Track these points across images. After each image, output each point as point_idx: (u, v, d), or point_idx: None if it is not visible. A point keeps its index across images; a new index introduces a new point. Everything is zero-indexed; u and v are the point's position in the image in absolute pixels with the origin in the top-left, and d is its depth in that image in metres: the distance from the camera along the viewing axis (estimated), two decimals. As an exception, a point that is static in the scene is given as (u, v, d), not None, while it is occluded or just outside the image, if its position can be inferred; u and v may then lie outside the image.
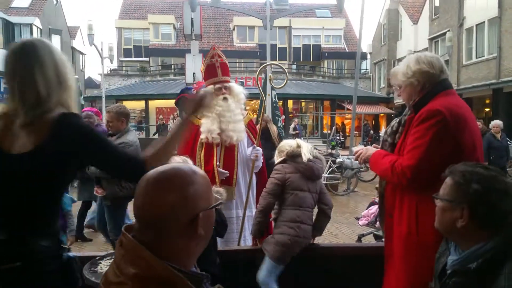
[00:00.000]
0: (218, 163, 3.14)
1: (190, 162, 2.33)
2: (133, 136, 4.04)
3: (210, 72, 3.24)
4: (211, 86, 3.21)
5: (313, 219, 2.71)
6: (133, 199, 1.12)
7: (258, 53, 27.30)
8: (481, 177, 1.40)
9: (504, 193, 1.36)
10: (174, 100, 4.91)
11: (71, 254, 1.55)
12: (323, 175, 5.30)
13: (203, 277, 1.01)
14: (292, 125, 17.77)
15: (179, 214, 0.97)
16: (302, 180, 2.62)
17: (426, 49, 21.20)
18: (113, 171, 1.69)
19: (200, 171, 1.06)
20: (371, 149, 2.21)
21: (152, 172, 1.03)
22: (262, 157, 3.28)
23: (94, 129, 1.62)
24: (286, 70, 3.56)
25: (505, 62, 15.65)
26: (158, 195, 0.98)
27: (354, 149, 2.31)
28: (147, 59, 29.41)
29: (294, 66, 28.33)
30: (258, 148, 3.20)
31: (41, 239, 1.43)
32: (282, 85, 3.41)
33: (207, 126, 3.13)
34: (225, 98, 3.15)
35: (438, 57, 2.07)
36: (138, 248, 0.95)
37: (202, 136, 3.14)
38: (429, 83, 1.98)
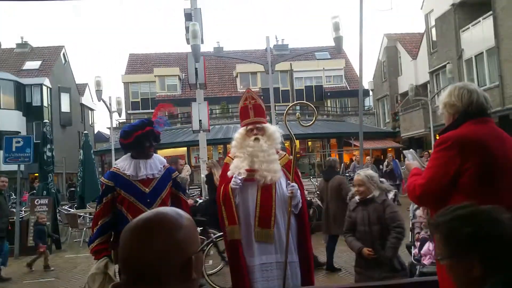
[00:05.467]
0: (239, 177, 3.06)
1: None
2: None
3: (244, 114, 3.28)
4: (244, 128, 3.26)
5: None
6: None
7: (262, 97, 27.75)
8: (465, 218, 1.29)
9: (495, 221, 1.26)
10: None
11: None
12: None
13: None
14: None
15: (172, 260, 0.94)
16: None
17: (427, 82, 21.46)
18: None
19: (185, 213, 1.03)
20: (413, 165, 2.36)
21: (137, 220, 0.99)
22: (300, 195, 3.12)
23: None
24: (314, 108, 3.49)
25: (508, 89, 15.74)
26: (147, 243, 0.94)
27: (407, 161, 2.45)
28: (154, 111, 30.03)
29: (298, 107, 28.71)
30: (293, 184, 3.06)
31: None
32: (311, 123, 3.36)
33: (236, 163, 3.14)
34: (256, 139, 3.15)
35: (471, 89, 2.11)
36: None
37: (229, 173, 3.14)
38: (458, 114, 2.12)
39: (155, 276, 0.93)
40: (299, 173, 3.40)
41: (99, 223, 3.03)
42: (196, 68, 8.97)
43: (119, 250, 1.00)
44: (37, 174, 17.27)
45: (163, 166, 3.22)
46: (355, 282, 3.52)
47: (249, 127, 3.21)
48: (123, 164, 3.15)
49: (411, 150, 2.59)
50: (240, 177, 3.02)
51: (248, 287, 2.92)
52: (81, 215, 10.68)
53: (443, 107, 2.20)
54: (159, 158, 3.26)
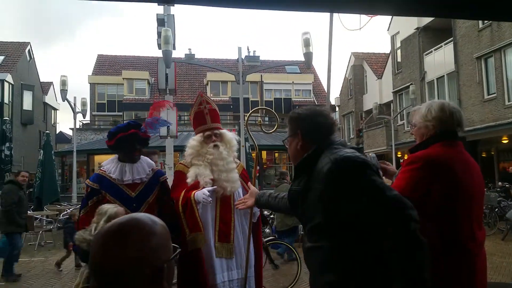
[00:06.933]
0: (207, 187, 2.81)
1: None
2: None
3: (199, 119, 3.07)
4: (201, 134, 3.06)
5: None
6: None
7: (232, 106, 27.91)
8: (302, 107, 1.92)
9: (317, 112, 1.92)
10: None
11: None
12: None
13: None
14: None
15: (143, 267, 0.91)
16: None
17: (391, 101, 22.27)
18: None
19: (159, 220, 1.01)
20: None
21: (109, 225, 0.97)
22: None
23: None
24: (276, 114, 3.33)
25: (466, 113, 16.58)
26: (119, 249, 0.91)
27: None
28: (120, 113, 29.42)
29: (266, 118, 29.01)
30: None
31: None
32: (273, 130, 3.31)
33: (198, 171, 2.91)
34: (215, 146, 2.98)
35: (458, 109, 2.11)
36: None
37: (189, 180, 2.91)
38: (441, 131, 2.04)
39: (125, 284, 0.91)
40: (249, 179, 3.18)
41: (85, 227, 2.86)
42: (166, 74, 8.92)
43: (90, 255, 0.97)
44: (-9, 173, 16.41)
45: (151, 170, 3.07)
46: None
47: (207, 133, 3.04)
48: (109, 166, 2.99)
49: (374, 155, 2.55)
50: (208, 194, 2.78)
51: None
52: (38, 218, 10.28)
53: (428, 120, 2.07)
54: (147, 161, 3.11)
